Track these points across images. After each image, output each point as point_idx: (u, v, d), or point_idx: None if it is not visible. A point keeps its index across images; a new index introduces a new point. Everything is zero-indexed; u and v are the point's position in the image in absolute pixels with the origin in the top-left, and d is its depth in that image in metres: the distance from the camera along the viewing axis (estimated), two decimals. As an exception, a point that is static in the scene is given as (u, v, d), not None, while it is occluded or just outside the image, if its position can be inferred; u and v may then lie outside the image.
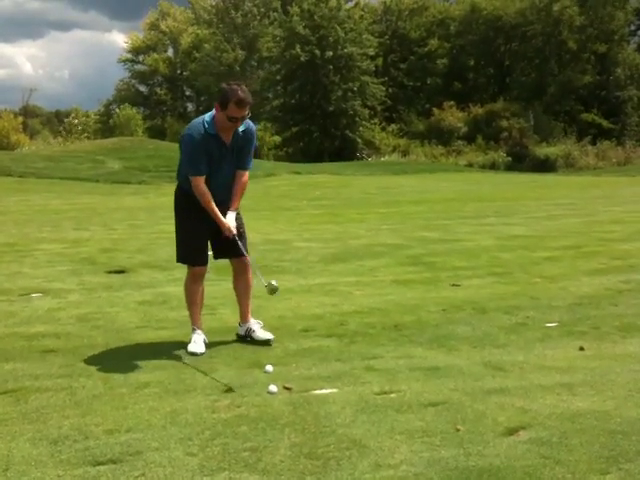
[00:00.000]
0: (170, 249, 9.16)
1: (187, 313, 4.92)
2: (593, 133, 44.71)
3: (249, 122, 4.62)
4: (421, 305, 5.99)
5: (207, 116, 4.56)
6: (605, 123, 47.45)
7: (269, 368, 4.19)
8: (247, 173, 4.76)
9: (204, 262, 4.79)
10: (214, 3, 55.45)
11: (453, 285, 6.85)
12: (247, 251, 4.81)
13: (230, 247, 4.70)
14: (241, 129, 4.56)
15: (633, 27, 56.14)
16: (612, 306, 5.92)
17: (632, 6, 53.09)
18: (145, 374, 4.17)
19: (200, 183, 4.52)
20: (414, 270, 7.78)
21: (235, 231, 4.61)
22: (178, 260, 4.86)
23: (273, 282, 4.47)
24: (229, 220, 4.61)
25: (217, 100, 4.48)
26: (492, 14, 51.38)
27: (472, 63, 55.57)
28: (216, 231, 4.63)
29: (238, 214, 4.78)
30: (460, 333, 5.08)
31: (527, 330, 5.16)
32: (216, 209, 4.56)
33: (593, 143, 43.26)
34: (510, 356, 4.51)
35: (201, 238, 4.74)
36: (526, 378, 4.06)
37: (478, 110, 47.57)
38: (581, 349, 4.65)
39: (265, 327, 4.95)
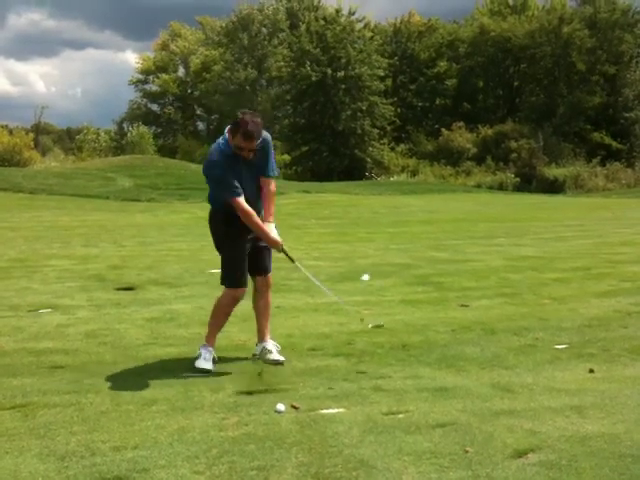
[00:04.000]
0: (178, 266, 9.32)
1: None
2: (602, 154, 44.61)
3: (264, 132, 4.61)
4: (429, 325, 5.97)
5: (221, 139, 4.61)
6: (614, 144, 47.34)
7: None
8: (273, 181, 4.76)
9: (246, 284, 4.76)
10: (224, 24, 56.00)
11: (462, 305, 6.83)
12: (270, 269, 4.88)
13: (256, 263, 4.75)
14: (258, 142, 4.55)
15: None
16: (622, 328, 5.89)
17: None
18: (152, 391, 4.17)
19: (242, 204, 4.49)
20: (422, 290, 7.76)
21: (282, 241, 4.63)
22: (222, 282, 4.76)
23: (340, 300, 4.09)
24: (271, 232, 4.62)
25: (231, 126, 4.53)
26: (501, 36, 51.54)
27: (481, 84, 55.68)
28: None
29: None
30: (469, 354, 5.06)
31: (536, 352, 5.14)
32: (261, 224, 4.57)
33: (602, 164, 43.15)
34: (519, 378, 4.48)
35: (243, 261, 4.70)
36: (535, 400, 4.03)
37: (487, 131, 47.57)
38: (591, 371, 4.63)
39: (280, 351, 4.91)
